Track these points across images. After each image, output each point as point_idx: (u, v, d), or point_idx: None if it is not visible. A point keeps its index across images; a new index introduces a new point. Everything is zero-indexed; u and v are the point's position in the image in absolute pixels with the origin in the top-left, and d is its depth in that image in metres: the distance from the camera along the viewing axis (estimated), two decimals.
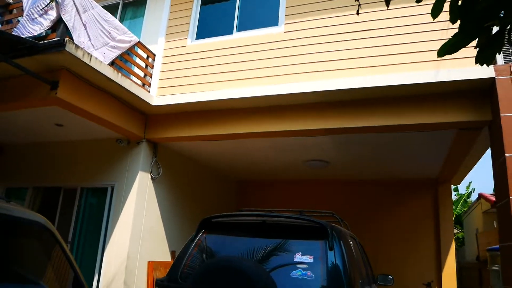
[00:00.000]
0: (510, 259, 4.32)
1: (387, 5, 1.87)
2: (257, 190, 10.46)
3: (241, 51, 6.20)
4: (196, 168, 8.53)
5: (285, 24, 6.11)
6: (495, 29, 1.86)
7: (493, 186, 4.98)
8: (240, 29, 6.53)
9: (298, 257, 3.24)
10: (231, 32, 6.54)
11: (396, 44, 5.29)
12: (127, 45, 6.14)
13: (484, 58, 1.95)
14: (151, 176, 6.80)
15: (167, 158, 7.26)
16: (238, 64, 6.11)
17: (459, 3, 1.85)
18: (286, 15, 6.15)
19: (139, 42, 6.41)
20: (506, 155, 4.43)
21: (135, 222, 6.34)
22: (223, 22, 6.72)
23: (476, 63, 1.95)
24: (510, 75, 4.52)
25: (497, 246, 6.15)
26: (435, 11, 2.01)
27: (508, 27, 1.79)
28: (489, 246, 10.32)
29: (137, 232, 6.37)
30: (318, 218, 3.84)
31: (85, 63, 5.00)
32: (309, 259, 3.21)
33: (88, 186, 6.83)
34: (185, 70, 6.48)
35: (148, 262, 6.52)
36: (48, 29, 5.34)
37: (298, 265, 3.20)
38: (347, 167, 8.31)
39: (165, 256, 7.06)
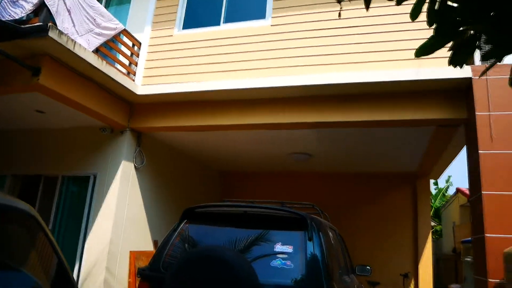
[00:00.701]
0: (481, 251, 4.51)
1: (367, 7, 1.94)
2: (241, 181, 10.54)
3: (228, 43, 6.21)
4: (180, 159, 8.54)
5: (272, 17, 6.14)
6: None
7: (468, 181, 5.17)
8: (227, 20, 6.53)
9: (278, 247, 3.33)
10: (218, 24, 6.53)
11: (380, 41, 5.40)
12: (112, 33, 6.07)
13: (457, 60, 2.04)
14: (134, 165, 6.78)
15: (151, 148, 7.25)
16: (224, 55, 6.13)
17: (436, 7, 1.93)
18: (273, 9, 6.18)
19: (124, 29, 6.33)
20: (480, 152, 4.61)
21: (118, 212, 6.34)
22: (210, 13, 6.71)
23: (449, 65, 2.04)
24: (486, 75, 4.68)
25: (470, 238, 6.38)
26: (414, 14, 2.09)
27: (479, 33, 1.88)
28: (465, 238, 10.67)
29: (120, 221, 6.37)
30: (299, 209, 3.93)
31: (69, 49, 4.92)
32: (288, 249, 3.31)
33: (70, 175, 6.77)
34: (171, 60, 6.46)
35: (130, 251, 6.54)
36: (30, 13, 5.25)
37: (278, 255, 3.29)
38: (329, 160, 8.46)
39: (147, 245, 7.08)
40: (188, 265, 3.09)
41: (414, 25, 5.10)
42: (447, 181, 20.60)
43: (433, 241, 15.78)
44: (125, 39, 6.45)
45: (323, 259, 3.28)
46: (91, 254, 6.14)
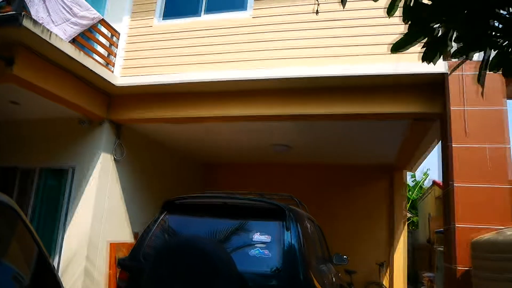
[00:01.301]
0: (451, 240, 4.71)
1: (343, 5, 1.99)
2: (222, 172, 10.57)
3: (209, 34, 6.19)
4: (161, 150, 8.50)
5: (253, 9, 6.14)
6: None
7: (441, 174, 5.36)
8: (208, 11, 6.50)
9: (257, 237, 3.40)
10: (199, 14, 6.50)
11: (360, 35, 5.49)
12: (90, 22, 5.96)
13: (429, 56, 2.13)
14: (114, 158, 6.72)
15: (131, 140, 7.19)
16: (205, 47, 6.11)
17: (411, 4, 2.00)
18: (254, 0, 6.18)
19: (102, 19, 6.23)
20: (453, 145, 4.78)
21: (97, 204, 6.29)
22: (191, 3, 6.65)
23: (422, 61, 2.13)
24: (461, 71, 4.84)
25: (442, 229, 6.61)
26: (390, 11, 2.17)
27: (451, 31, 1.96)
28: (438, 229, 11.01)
29: (99, 214, 6.33)
30: (278, 200, 4.01)
31: (45, 40, 4.82)
32: (267, 238, 3.39)
33: (47, 167, 6.66)
34: (151, 50, 6.40)
35: (110, 243, 6.52)
36: (2, 1, 5.10)
37: (257, 245, 3.37)
38: (309, 152, 8.58)
39: (128, 237, 7.07)
40: (168, 255, 3.14)
41: (394, 20, 5.22)
42: (424, 174, 21.15)
43: (410, 232, 16.23)
44: (103, 29, 6.35)
45: (300, 248, 3.37)
46: (70, 247, 6.09)
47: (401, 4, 2.08)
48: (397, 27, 5.26)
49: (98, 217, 6.29)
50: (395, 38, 2.07)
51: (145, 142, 7.82)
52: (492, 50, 1.86)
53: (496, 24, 1.81)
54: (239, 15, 6.20)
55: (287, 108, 5.81)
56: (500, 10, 1.77)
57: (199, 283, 2.98)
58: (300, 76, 5.47)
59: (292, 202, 4.86)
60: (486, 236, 4.03)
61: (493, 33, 1.78)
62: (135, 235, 7.20)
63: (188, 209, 3.99)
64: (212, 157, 9.81)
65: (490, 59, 1.87)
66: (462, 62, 2.04)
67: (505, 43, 1.73)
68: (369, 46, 5.40)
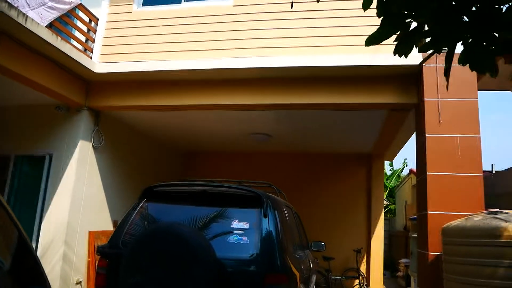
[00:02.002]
0: (424, 226, 4.89)
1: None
2: (202, 161, 10.60)
3: (189, 22, 6.14)
4: (141, 138, 8.45)
5: None
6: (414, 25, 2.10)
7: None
8: None
9: (235, 224, 3.48)
10: (179, 1, 6.43)
11: (339, 26, 5.56)
12: (67, 7, 5.84)
13: (401, 50, 2.21)
14: (92, 145, 6.66)
15: (110, 127, 7.12)
16: (185, 35, 6.07)
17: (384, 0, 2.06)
18: None
19: (80, 4, 6.11)
20: (426, 135, 4.94)
21: (75, 192, 6.24)
22: None
23: (394, 55, 2.20)
24: (435, 63, 4.97)
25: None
26: (365, 5, 2.23)
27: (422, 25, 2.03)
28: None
29: (78, 201, 6.28)
30: (257, 188, 4.08)
31: (21, 24, 4.70)
32: (245, 225, 3.46)
33: (24, 154, 6.54)
34: (130, 37, 6.32)
35: (89, 231, 6.50)
36: None
37: (235, 231, 3.45)
38: (289, 140, 8.68)
39: (107, 225, 7.04)
40: (147, 241, 3.18)
41: (372, 12, 5.31)
42: (403, 164, 21.66)
43: (387, 219, 16.61)
44: (81, 14, 6.22)
45: (277, 235, 3.46)
46: (48, 235, 6.04)
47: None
48: (375, 19, 5.38)
49: (76, 204, 6.24)
50: (373, 29, 2.13)
51: (124, 130, 7.76)
52: (461, 44, 1.94)
53: (465, 19, 1.89)
54: (220, 3, 6.17)
55: (267, 97, 5.86)
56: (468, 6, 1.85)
57: (178, 269, 3.04)
58: (281, 66, 5.52)
59: (270, 190, 4.94)
60: (455, 222, 4.20)
61: (462, 28, 1.86)
62: (114, 223, 7.19)
63: (167, 196, 4.02)
64: (191, 145, 9.81)
65: (460, 53, 1.95)
66: (431, 54, 2.12)
67: (470, 39, 1.81)
68: (347, 37, 5.48)
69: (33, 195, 6.32)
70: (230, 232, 3.46)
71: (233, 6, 6.08)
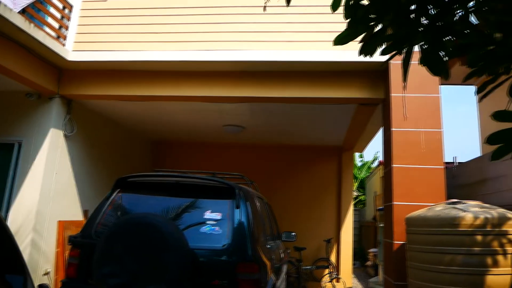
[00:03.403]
0: (389, 217, 5.13)
1: (287, 3, 2.13)
2: (174, 151, 10.56)
3: (165, 13, 6.11)
4: (113, 127, 8.37)
5: None
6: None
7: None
8: None
9: (208, 215, 3.57)
10: None
11: (312, 22, 5.68)
12: None
13: (366, 50, 2.34)
14: (64, 133, 6.56)
15: (82, 116, 7.02)
16: (161, 25, 6.04)
17: (351, 3, 2.18)
18: None
19: None
20: (392, 129, 5.16)
21: (45, 180, 6.15)
22: None
23: (359, 55, 2.33)
24: (402, 60, 5.16)
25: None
26: (334, 6, 2.34)
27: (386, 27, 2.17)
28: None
29: (47, 190, 6.20)
30: (229, 180, 4.18)
31: None
32: (217, 216, 3.56)
33: None
34: (105, 26, 6.22)
35: (58, 221, 6.42)
36: None
37: (208, 222, 3.54)
38: (261, 132, 8.79)
39: (77, 215, 6.98)
40: (120, 231, 3.22)
41: (342, 11, 5.46)
42: (374, 156, 22.32)
43: (358, 210, 17.06)
44: (54, 0, 6.08)
45: (249, 225, 3.58)
46: (16, 225, 5.94)
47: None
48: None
49: (46, 193, 6.15)
50: (343, 27, 2.25)
51: (97, 119, 7.66)
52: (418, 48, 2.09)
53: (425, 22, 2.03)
54: None
55: (240, 90, 5.93)
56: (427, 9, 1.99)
57: (150, 259, 3.11)
58: (254, 60, 5.61)
59: (243, 181, 5.05)
60: (418, 212, 4.42)
61: (418, 33, 2.00)
62: (85, 212, 7.13)
63: (140, 187, 4.07)
64: (164, 135, 9.77)
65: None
66: (394, 55, 2.27)
67: (426, 45, 1.95)
68: (319, 33, 5.61)
69: (1, 184, 6.18)
70: (203, 222, 3.55)
71: None
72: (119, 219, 3.64)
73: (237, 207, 3.60)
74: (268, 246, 4.35)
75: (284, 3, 2.40)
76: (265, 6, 2.85)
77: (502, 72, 1.94)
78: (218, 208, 3.64)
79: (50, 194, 6.25)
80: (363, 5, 2.12)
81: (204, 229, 3.52)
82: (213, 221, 3.55)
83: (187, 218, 3.68)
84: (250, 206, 3.79)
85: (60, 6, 6.19)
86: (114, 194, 3.88)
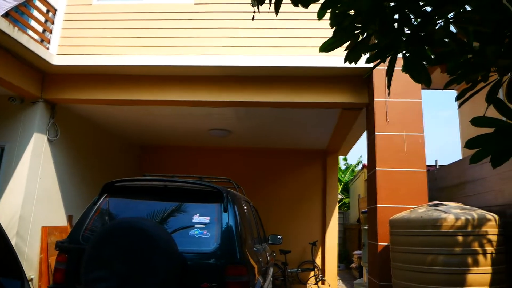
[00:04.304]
0: (373, 219, 5.24)
1: (276, 12, 2.20)
2: (161, 155, 10.53)
3: (150, 18, 6.13)
4: (98, 132, 8.30)
5: None
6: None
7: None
8: None
9: (196, 218, 3.60)
10: None
11: (297, 28, 5.78)
12: None
13: (352, 58, 2.42)
14: (48, 138, 6.48)
15: (66, 120, 6.95)
16: (145, 30, 6.05)
17: (337, 12, 2.26)
18: None
19: None
20: (376, 133, 5.28)
21: (29, 185, 6.06)
22: None
23: (345, 62, 2.41)
24: (385, 67, 5.31)
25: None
26: (320, 15, 2.42)
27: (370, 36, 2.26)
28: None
29: (31, 195, 6.11)
30: (217, 184, 4.21)
31: None
32: (205, 220, 3.59)
33: None
34: (90, 30, 6.19)
35: (42, 227, 6.33)
36: None
37: (196, 225, 3.57)
38: (248, 136, 8.85)
39: (61, 220, 6.89)
40: (108, 235, 3.22)
41: (328, 17, 5.59)
42: (358, 160, 22.60)
43: (342, 212, 17.22)
44: (38, 3, 6.02)
45: (236, 228, 3.62)
46: None
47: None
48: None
49: (29, 198, 6.06)
50: (328, 33, 2.33)
51: (81, 123, 7.59)
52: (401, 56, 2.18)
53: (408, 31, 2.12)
54: (181, 1, 6.19)
55: (226, 95, 5.99)
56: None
57: (139, 263, 3.12)
58: (239, 65, 5.67)
59: (230, 185, 5.09)
60: (401, 214, 4.53)
61: (401, 42, 2.09)
62: (69, 217, 7.05)
63: (128, 192, 4.06)
64: (150, 139, 9.74)
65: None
66: (378, 63, 2.35)
67: (408, 54, 2.04)
68: (304, 39, 5.72)
69: None
70: (191, 226, 3.57)
71: (195, 4, 6.12)
72: (107, 224, 3.63)
73: (225, 210, 3.64)
74: (256, 249, 4.40)
75: (273, 10, 2.47)
76: (253, 17, 2.91)
77: (480, 80, 2.05)
78: (206, 211, 3.67)
79: (34, 199, 6.16)
80: (349, 14, 2.21)
81: (193, 232, 3.54)
82: (202, 225, 3.57)
83: (176, 222, 3.70)
84: (237, 210, 3.84)
85: (44, 9, 6.14)
86: (102, 199, 3.87)
